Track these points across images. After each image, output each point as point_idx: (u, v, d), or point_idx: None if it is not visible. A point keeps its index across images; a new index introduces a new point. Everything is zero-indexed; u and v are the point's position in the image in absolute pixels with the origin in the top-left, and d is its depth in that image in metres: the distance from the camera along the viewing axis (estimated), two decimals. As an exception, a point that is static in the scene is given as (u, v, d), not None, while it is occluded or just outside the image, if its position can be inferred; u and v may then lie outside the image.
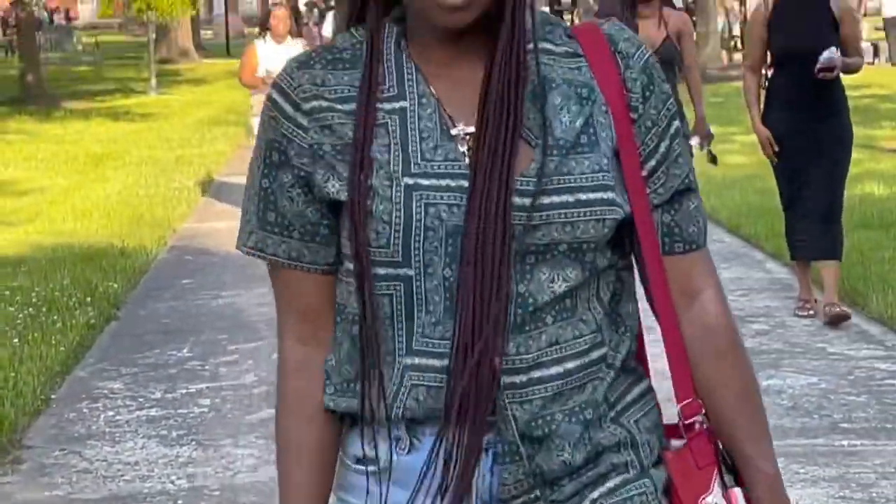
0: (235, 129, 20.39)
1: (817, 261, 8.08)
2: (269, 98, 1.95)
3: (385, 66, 1.93)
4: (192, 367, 7.65)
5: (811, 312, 7.99)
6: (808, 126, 7.79)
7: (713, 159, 9.17)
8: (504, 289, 1.83)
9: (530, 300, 1.86)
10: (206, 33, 58.88)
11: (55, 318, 8.60)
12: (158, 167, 16.05)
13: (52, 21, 56.75)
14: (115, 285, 9.58)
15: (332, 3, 30.21)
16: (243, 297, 9.31)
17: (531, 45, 1.91)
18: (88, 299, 9.14)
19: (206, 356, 7.85)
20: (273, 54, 11.58)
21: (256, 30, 41.48)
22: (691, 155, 7.93)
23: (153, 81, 28.94)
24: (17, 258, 10.73)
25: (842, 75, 7.90)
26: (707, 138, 8.91)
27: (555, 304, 1.89)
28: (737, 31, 28.98)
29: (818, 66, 7.62)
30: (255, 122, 11.45)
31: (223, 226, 12.19)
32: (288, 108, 1.93)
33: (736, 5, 28.74)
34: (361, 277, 1.89)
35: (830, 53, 7.61)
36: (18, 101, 25.51)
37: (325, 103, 1.92)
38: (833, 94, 7.90)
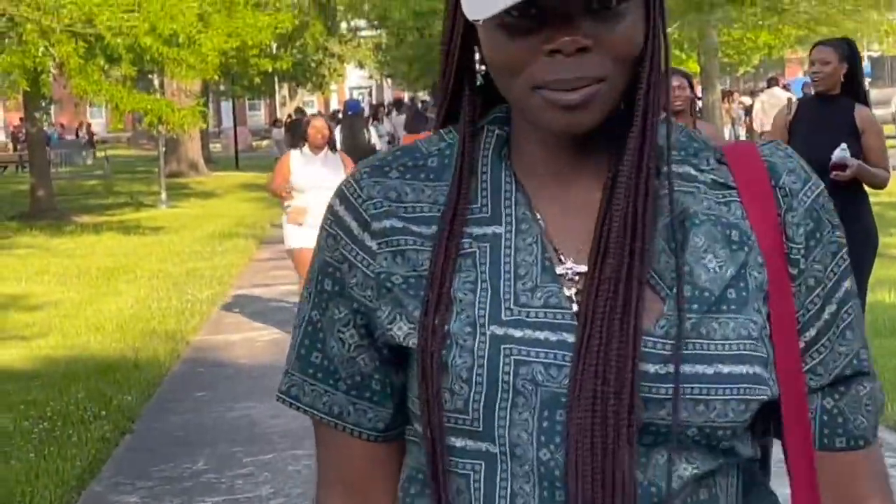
0: (246, 242, 20.52)
1: None
2: (331, 211, 1.58)
3: (479, 179, 1.54)
4: (208, 479, 7.65)
5: None
6: None
7: None
8: (630, 485, 1.41)
9: (652, 489, 1.44)
10: (215, 146, 59.39)
11: (70, 431, 8.63)
12: (170, 280, 16.12)
13: (61, 137, 57.29)
14: (130, 398, 9.61)
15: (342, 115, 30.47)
16: (257, 409, 9.32)
17: (667, 167, 1.51)
18: (103, 412, 9.17)
19: (222, 469, 7.85)
20: (306, 166, 11.60)
21: (264, 143, 41.68)
22: None
23: (163, 195, 29.14)
24: (31, 372, 10.76)
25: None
26: None
27: (684, 496, 1.47)
28: (743, 138, 29.23)
29: (830, 163, 7.60)
30: (290, 231, 11.60)
31: (237, 338, 12.24)
32: (353, 226, 1.55)
33: (742, 113, 28.97)
34: (432, 449, 1.49)
35: (842, 151, 7.63)
36: (29, 216, 25.69)
37: (399, 223, 1.53)
38: (854, 199, 7.76)
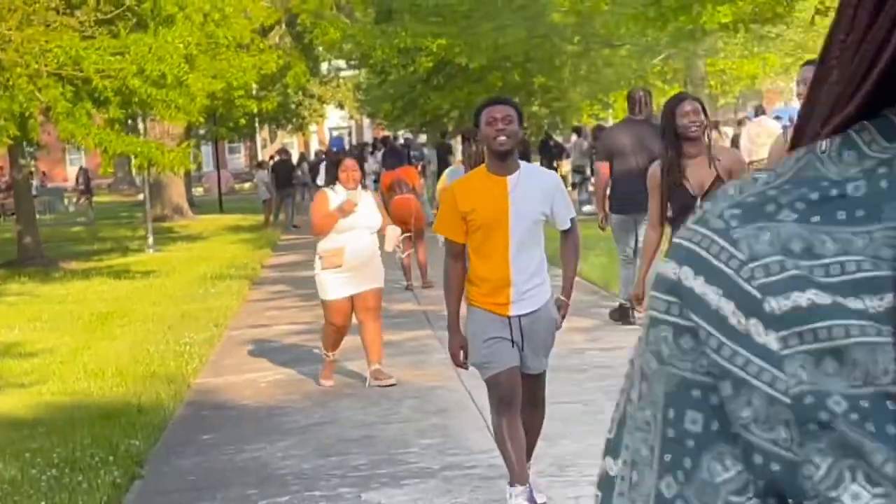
0: (238, 284, 20.35)
1: None
2: (671, 287, 0.91)
3: None
4: (225, 523, 7.48)
5: None
6: None
7: None
8: None
9: None
10: (197, 190, 59.30)
11: (80, 478, 8.46)
12: (165, 324, 15.94)
13: (42, 184, 57.05)
14: (137, 443, 9.43)
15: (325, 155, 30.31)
16: (267, 450, 9.15)
17: None
18: (111, 458, 8.99)
19: (238, 512, 7.68)
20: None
21: (246, 185, 41.20)
22: None
23: (150, 239, 28.95)
24: (33, 420, 10.58)
25: None
26: None
27: None
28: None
29: None
30: (325, 279, 11.08)
31: (238, 380, 12.07)
32: (729, 310, 0.88)
33: (728, 144, 28.88)
34: None
35: None
36: (16, 263, 25.46)
37: (821, 296, 0.86)
38: None
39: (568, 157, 35.09)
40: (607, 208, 13.10)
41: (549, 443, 8.01)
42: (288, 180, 34.30)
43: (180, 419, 10.56)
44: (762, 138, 26.35)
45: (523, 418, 6.85)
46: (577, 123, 39.80)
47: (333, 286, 11.04)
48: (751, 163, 27.95)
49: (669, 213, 7.76)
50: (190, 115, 20.38)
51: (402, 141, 35.95)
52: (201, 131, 43.90)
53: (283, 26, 43.83)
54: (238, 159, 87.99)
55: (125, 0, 19.37)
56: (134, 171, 26.90)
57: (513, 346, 6.79)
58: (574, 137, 36.11)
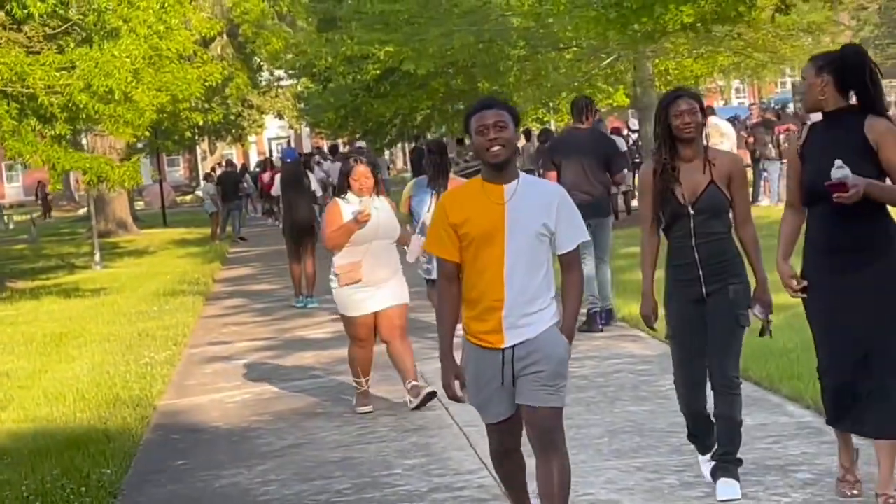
0: (193, 300, 19.99)
1: (866, 437, 6.96)
2: None
3: None
4: (211, 556, 7.18)
5: (855, 493, 6.92)
6: (845, 273, 6.64)
7: (768, 333, 7.31)
8: None
9: None
10: (138, 203, 58.65)
11: (53, 513, 8.12)
12: (123, 343, 15.58)
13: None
14: (109, 471, 9.09)
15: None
16: (245, 475, 8.85)
17: None
18: (83, 489, 8.67)
19: (223, 543, 7.37)
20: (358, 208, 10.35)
21: (188, 198, 40.85)
22: (747, 325, 6.83)
23: (97, 256, 28.49)
24: (-4, 449, 10.23)
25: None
26: (769, 307, 7.24)
27: None
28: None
29: (827, 184, 6.46)
30: (345, 295, 10.41)
31: (204, 400, 11.76)
32: None
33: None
34: None
35: (839, 170, 6.43)
36: (-40, 284, 24.97)
37: None
38: (874, 229, 6.64)
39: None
40: None
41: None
42: (235, 192, 33.87)
43: (150, 444, 10.23)
44: (714, 138, 26.34)
45: (538, 475, 6.02)
46: (523, 127, 39.68)
47: (355, 302, 10.35)
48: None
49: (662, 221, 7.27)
50: (137, 130, 20.02)
51: (356, 150, 35.54)
52: (139, 145, 43.41)
53: (225, 37, 43.44)
54: (177, 172, 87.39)
55: (70, 15, 18.95)
56: (81, 186, 26.35)
57: (503, 386, 6.01)
58: (522, 141, 35.92)
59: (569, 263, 6.11)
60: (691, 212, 7.09)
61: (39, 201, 66.58)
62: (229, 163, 39.12)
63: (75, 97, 18.04)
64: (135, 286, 22.97)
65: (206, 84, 26.51)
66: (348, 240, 10.27)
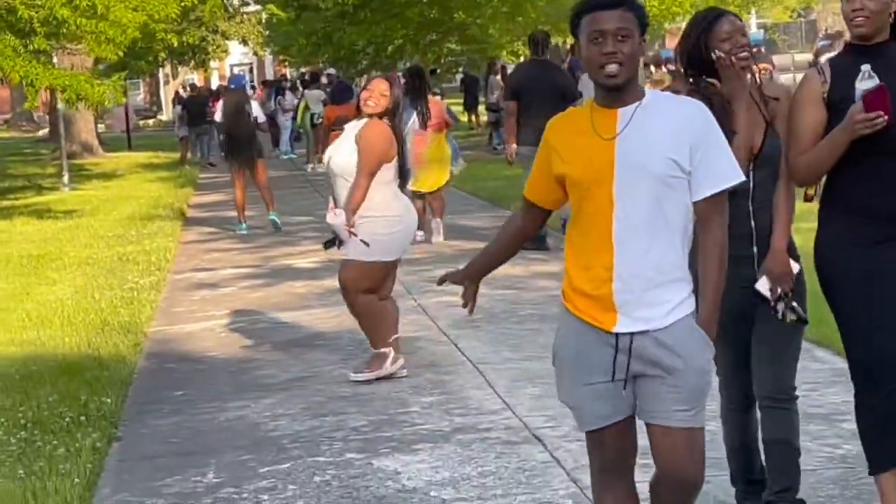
0: (171, 224, 19.53)
1: None
2: None
3: None
4: (228, 495, 6.77)
5: None
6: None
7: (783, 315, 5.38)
8: None
9: None
10: (99, 126, 57.77)
11: (55, 442, 7.70)
12: (104, 267, 15.11)
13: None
14: (108, 400, 8.66)
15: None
16: (252, 408, 8.45)
17: None
18: (82, 418, 8.24)
19: (239, 481, 6.97)
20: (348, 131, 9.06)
21: (151, 122, 40.50)
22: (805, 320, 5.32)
23: (66, 177, 27.87)
24: (-15, 373, 9.78)
25: None
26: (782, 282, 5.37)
27: None
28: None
29: (864, 91, 4.99)
30: (390, 237, 8.89)
31: (195, 328, 11.34)
32: None
33: (668, 78, 28.24)
34: None
35: (871, 80, 5.02)
36: (-73, 201, 24.36)
37: None
38: None
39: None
40: (515, 142, 14.46)
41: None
42: (202, 116, 33.00)
43: (145, 373, 9.80)
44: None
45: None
46: (492, 60, 39.17)
47: (398, 242, 8.99)
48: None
49: None
50: (119, 48, 19.43)
51: (329, 78, 34.84)
52: (101, 67, 42.57)
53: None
54: (138, 96, 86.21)
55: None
56: (60, 105, 25.65)
57: (613, 383, 4.41)
58: (492, 76, 35.43)
59: (707, 216, 4.42)
60: (754, 169, 5.35)
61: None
62: (193, 87, 38.30)
63: (56, 11, 17.43)
64: (108, 209, 22.43)
65: (182, 5, 25.84)
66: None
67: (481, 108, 39.23)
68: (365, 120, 8.91)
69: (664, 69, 28.94)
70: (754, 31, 69.52)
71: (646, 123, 4.35)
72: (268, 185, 18.29)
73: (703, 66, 5.38)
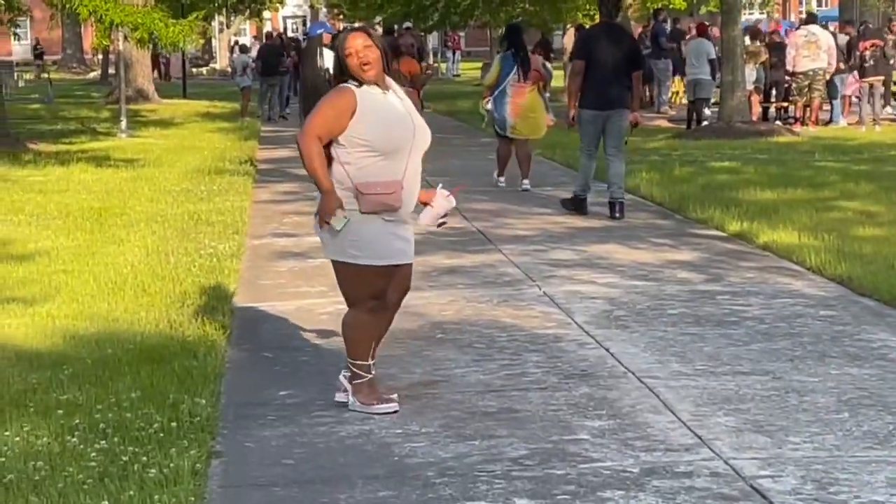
0: (242, 180, 18.00)
1: None
2: None
3: None
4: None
5: None
6: None
7: None
8: None
9: None
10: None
11: (144, 458, 6.16)
12: (175, 227, 13.56)
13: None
14: (202, 401, 7.12)
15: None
16: (377, 422, 6.89)
17: None
18: (173, 424, 6.70)
19: (385, 530, 5.44)
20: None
21: (204, 70, 39.28)
22: None
23: (123, 123, 26.37)
24: (52, 354, 8.23)
25: None
26: None
27: None
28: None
29: None
30: (376, 231, 6.93)
31: (289, 307, 9.80)
32: None
33: (763, 51, 26.55)
34: None
35: None
36: (-22, 141, 22.86)
37: None
38: None
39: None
40: (577, 105, 14.23)
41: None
42: (276, 67, 31.30)
43: (239, 364, 8.26)
44: (809, 48, 24.86)
45: None
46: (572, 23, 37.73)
47: (393, 242, 7.02)
48: (793, 74, 25.76)
49: None
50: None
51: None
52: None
53: None
54: (192, 43, 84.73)
55: None
56: (121, 45, 24.20)
57: None
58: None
59: None
60: None
61: (37, 61, 64.22)
62: (269, 35, 36.66)
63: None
64: (171, 160, 20.92)
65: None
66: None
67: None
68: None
69: (758, 42, 27.29)
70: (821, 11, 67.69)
71: None
72: None
73: None
